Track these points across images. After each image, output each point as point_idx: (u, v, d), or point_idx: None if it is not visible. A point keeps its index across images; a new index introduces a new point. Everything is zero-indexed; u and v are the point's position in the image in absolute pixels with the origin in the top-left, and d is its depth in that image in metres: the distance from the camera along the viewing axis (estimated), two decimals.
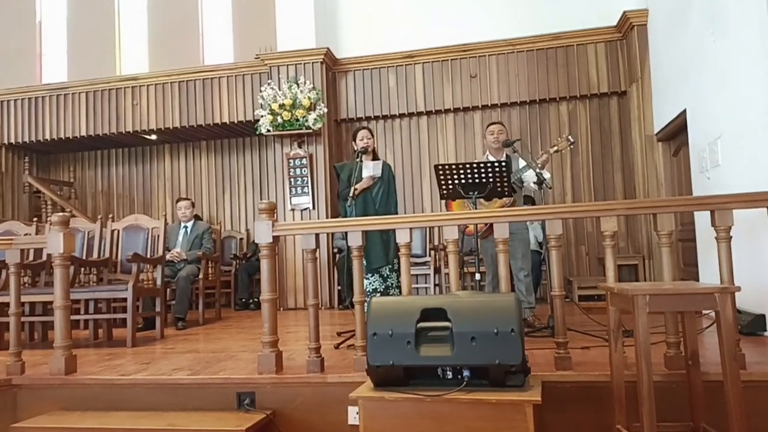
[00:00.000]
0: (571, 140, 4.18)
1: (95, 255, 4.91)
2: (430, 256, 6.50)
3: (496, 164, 3.68)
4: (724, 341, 2.09)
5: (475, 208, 3.68)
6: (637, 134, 6.31)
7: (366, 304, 2.88)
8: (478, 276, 3.63)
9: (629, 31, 6.32)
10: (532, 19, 6.71)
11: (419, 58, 6.99)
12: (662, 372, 2.59)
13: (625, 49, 6.51)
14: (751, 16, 3.68)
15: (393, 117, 7.20)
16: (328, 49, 6.78)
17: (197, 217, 6.93)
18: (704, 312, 3.86)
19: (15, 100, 7.78)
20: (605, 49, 6.62)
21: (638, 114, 6.25)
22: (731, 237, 2.58)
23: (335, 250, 6.65)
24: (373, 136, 4.34)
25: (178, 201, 6.05)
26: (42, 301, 4.36)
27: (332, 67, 7.07)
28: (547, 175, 4.12)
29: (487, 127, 4.47)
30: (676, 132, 5.51)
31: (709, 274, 4.38)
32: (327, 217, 6.54)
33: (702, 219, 4.47)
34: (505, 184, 3.69)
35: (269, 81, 6.72)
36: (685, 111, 4.98)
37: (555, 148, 4.18)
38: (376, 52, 7.04)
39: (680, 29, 5.02)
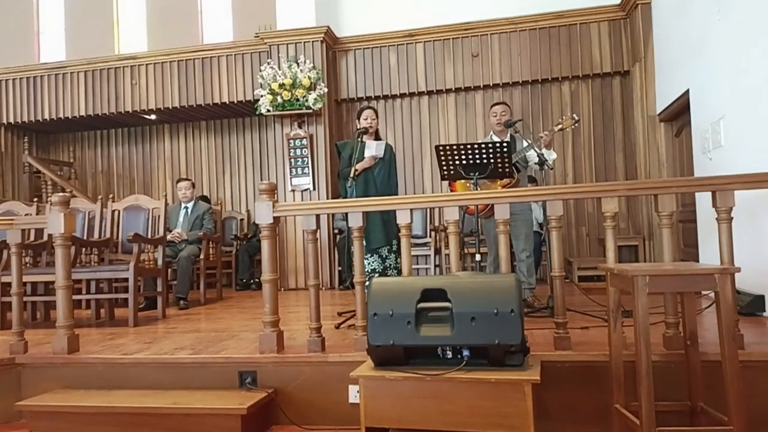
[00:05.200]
0: (576, 118, 4.18)
1: (96, 235, 4.92)
2: (430, 236, 6.50)
3: (498, 144, 3.66)
4: (723, 322, 2.10)
5: (476, 189, 3.67)
6: (639, 114, 6.26)
7: (366, 284, 2.89)
8: (478, 257, 3.63)
9: (633, 10, 6.24)
10: None
11: (420, 36, 6.91)
12: (661, 352, 2.60)
13: (629, 28, 6.44)
14: None
15: (394, 97, 7.15)
16: (328, 27, 6.71)
17: (204, 198, 6.93)
18: (704, 293, 3.87)
19: (14, 80, 7.73)
20: (608, 28, 6.54)
21: (641, 94, 6.20)
22: (732, 218, 2.57)
23: (336, 231, 6.65)
24: (377, 116, 4.30)
25: (178, 182, 6.03)
26: (44, 281, 4.38)
27: (332, 46, 7.00)
28: (553, 155, 4.11)
29: (491, 107, 4.44)
30: (679, 112, 5.48)
31: (709, 255, 4.39)
32: (327, 198, 6.53)
33: (703, 200, 4.46)
34: (507, 164, 3.68)
35: (269, 60, 6.66)
36: (688, 91, 4.94)
37: (559, 126, 4.17)
38: (376, 31, 6.96)
39: (685, 8, 4.95)
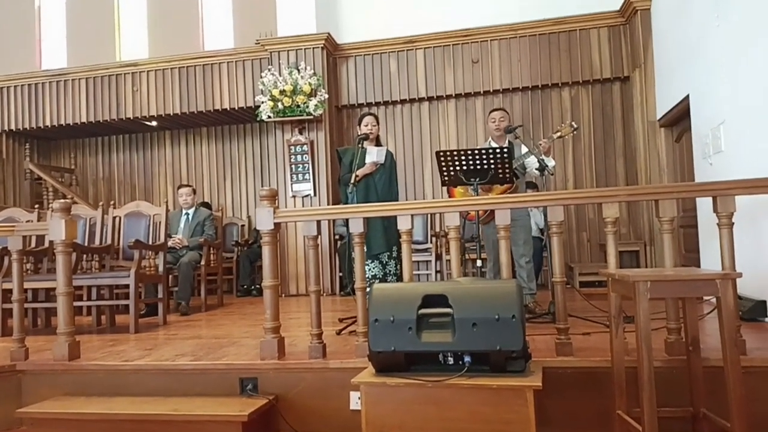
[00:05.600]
0: (575, 126, 4.18)
1: (97, 242, 4.92)
2: (431, 242, 6.50)
3: (498, 150, 3.67)
4: (725, 327, 2.10)
5: (477, 195, 3.68)
6: (639, 120, 6.27)
7: (367, 290, 2.89)
8: (479, 262, 3.63)
9: (632, 16, 6.27)
10: (534, 4, 6.65)
11: (420, 43, 6.94)
12: (663, 358, 2.60)
13: (628, 33, 6.46)
14: (755, 0, 3.64)
15: (394, 103, 7.17)
16: (328, 34, 6.73)
17: (205, 205, 6.93)
18: (705, 298, 3.87)
19: (15, 87, 7.75)
20: (608, 34, 6.56)
21: (641, 99, 6.21)
22: (733, 223, 2.57)
23: (336, 237, 6.65)
24: (378, 123, 4.31)
25: (179, 188, 6.03)
26: (45, 287, 4.38)
27: (333, 52, 7.02)
28: (552, 162, 4.11)
29: (490, 113, 4.45)
30: (679, 118, 5.48)
31: (710, 260, 4.38)
32: (328, 204, 6.53)
33: (704, 205, 4.46)
34: (507, 170, 3.68)
35: (270, 67, 6.68)
36: (688, 96, 4.95)
37: (558, 134, 4.17)
38: (377, 38, 6.99)
39: (684, 13, 4.97)
